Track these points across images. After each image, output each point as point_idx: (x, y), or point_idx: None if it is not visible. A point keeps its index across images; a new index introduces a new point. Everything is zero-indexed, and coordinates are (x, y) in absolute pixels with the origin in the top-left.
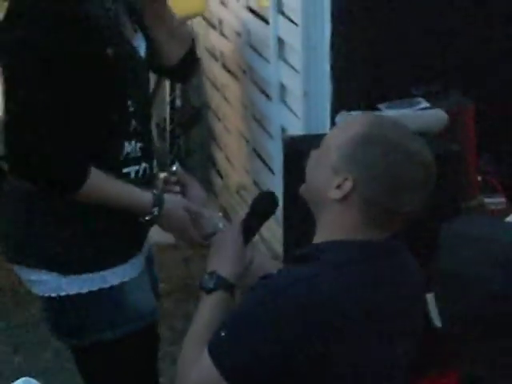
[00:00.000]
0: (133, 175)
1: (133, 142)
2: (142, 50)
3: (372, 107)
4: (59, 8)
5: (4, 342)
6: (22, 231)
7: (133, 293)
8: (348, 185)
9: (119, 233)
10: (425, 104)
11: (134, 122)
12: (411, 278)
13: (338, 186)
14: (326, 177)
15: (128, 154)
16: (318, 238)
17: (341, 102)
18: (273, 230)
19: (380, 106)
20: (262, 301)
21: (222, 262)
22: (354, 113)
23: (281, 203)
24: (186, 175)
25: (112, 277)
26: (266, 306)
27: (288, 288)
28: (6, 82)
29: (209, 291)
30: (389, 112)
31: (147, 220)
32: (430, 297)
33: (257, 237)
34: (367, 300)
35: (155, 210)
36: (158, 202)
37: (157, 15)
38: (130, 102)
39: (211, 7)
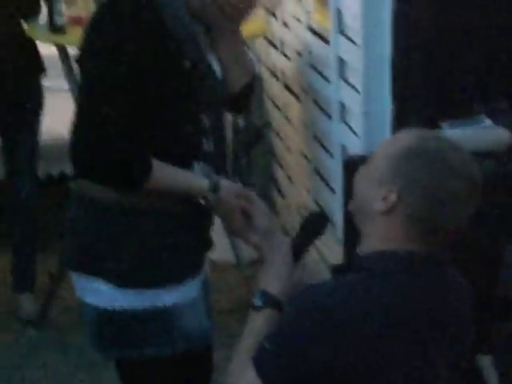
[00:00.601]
0: None
1: (201, 163)
2: (218, 71)
3: (434, 125)
4: (139, 17)
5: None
6: (88, 240)
7: (184, 315)
8: (393, 197)
9: (178, 253)
10: (488, 122)
11: (205, 142)
12: (453, 293)
13: (384, 199)
14: (371, 189)
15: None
16: (362, 249)
17: (402, 121)
18: (334, 250)
19: (442, 124)
20: (302, 309)
21: (271, 280)
22: None
23: (341, 222)
24: (249, 193)
25: (167, 296)
26: (307, 314)
27: (328, 296)
28: (83, 84)
29: (257, 308)
30: (451, 130)
31: (203, 204)
32: (485, 359)
33: (317, 256)
34: (406, 309)
35: (211, 196)
36: (214, 188)
37: (229, 36)
38: (203, 118)
39: (273, 28)
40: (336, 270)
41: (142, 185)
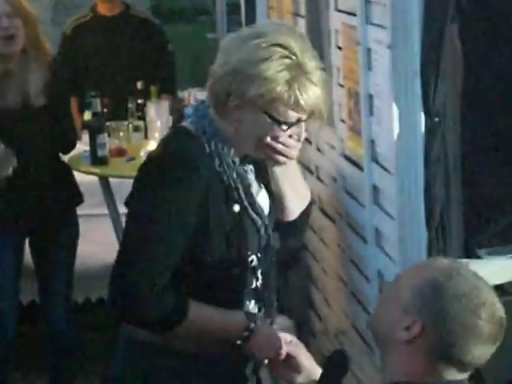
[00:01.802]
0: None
1: (252, 302)
2: (266, 207)
3: (471, 253)
4: (189, 165)
5: None
6: (123, 374)
7: None
8: (417, 328)
9: None
10: None
11: (254, 280)
12: None
13: (407, 328)
14: (395, 315)
15: (246, 313)
16: (386, 379)
17: (437, 248)
18: (373, 378)
19: (479, 252)
20: None
21: None
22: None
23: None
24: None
25: None
26: None
27: None
28: (128, 225)
29: None
30: (489, 259)
31: (243, 338)
32: None
33: None
34: None
35: (251, 325)
36: (252, 318)
37: (284, 167)
38: (253, 258)
39: (308, 154)
40: None
41: (176, 327)
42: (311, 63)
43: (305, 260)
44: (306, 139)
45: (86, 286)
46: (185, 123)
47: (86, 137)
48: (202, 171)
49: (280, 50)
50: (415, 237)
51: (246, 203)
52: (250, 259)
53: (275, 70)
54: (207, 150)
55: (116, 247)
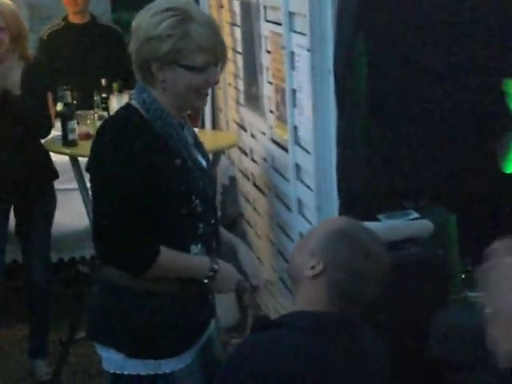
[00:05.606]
0: None
1: (199, 245)
2: (204, 163)
3: (373, 217)
4: (134, 133)
5: None
6: (104, 316)
7: (181, 380)
8: (319, 267)
9: (179, 330)
10: (415, 215)
11: (201, 225)
12: (363, 348)
13: (312, 267)
14: (304, 258)
15: (195, 255)
16: (293, 309)
17: (347, 214)
18: None
19: (379, 216)
20: (233, 363)
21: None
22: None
23: None
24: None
25: (166, 365)
26: (236, 367)
27: (252, 352)
28: (93, 190)
29: None
30: (386, 221)
31: (208, 277)
32: None
33: None
34: (316, 361)
35: (215, 266)
36: (215, 261)
37: None
38: (197, 202)
39: (244, 139)
40: (264, 325)
41: (150, 268)
42: (197, 14)
43: (241, 225)
44: (242, 127)
45: (60, 248)
46: (131, 101)
47: (58, 124)
48: (136, 135)
49: (170, 12)
50: (329, 205)
51: (185, 157)
52: (194, 203)
53: (172, 27)
54: (146, 116)
55: (84, 216)
